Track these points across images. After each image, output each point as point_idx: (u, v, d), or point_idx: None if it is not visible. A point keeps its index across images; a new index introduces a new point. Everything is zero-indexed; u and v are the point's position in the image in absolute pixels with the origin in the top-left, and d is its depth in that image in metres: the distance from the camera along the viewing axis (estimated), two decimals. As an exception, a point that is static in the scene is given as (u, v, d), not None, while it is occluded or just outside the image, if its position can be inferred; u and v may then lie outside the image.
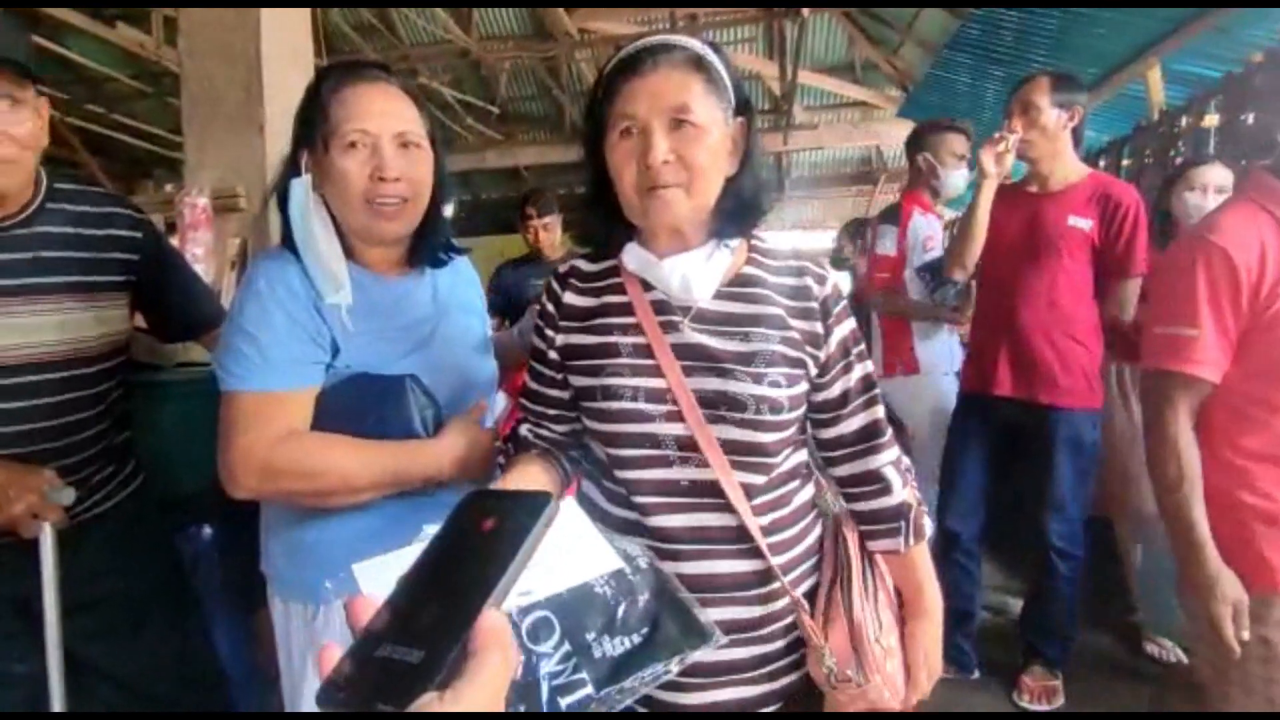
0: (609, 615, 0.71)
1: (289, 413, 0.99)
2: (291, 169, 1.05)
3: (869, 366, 0.96)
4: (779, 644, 0.93)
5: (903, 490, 0.96)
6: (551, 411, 1.00)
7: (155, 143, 7.34)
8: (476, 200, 10.43)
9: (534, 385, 1.01)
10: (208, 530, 1.56)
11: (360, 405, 1.02)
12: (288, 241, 1.04)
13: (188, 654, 1.36)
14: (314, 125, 1.02)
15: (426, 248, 1.13)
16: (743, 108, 0.91)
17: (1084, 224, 2.06)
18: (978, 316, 2.34)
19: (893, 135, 7.99)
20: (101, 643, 1.27)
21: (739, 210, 0.91)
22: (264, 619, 1.17)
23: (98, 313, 1.23)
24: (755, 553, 0.90)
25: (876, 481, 0.96)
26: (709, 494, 0.89)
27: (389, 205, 1.02)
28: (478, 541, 0.41)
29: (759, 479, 0.90)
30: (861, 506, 0.98)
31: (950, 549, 2.30)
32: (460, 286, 1.22)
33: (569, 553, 0.76)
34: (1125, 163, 3.75)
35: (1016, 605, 2.67)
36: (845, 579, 0.95)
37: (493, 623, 0.36)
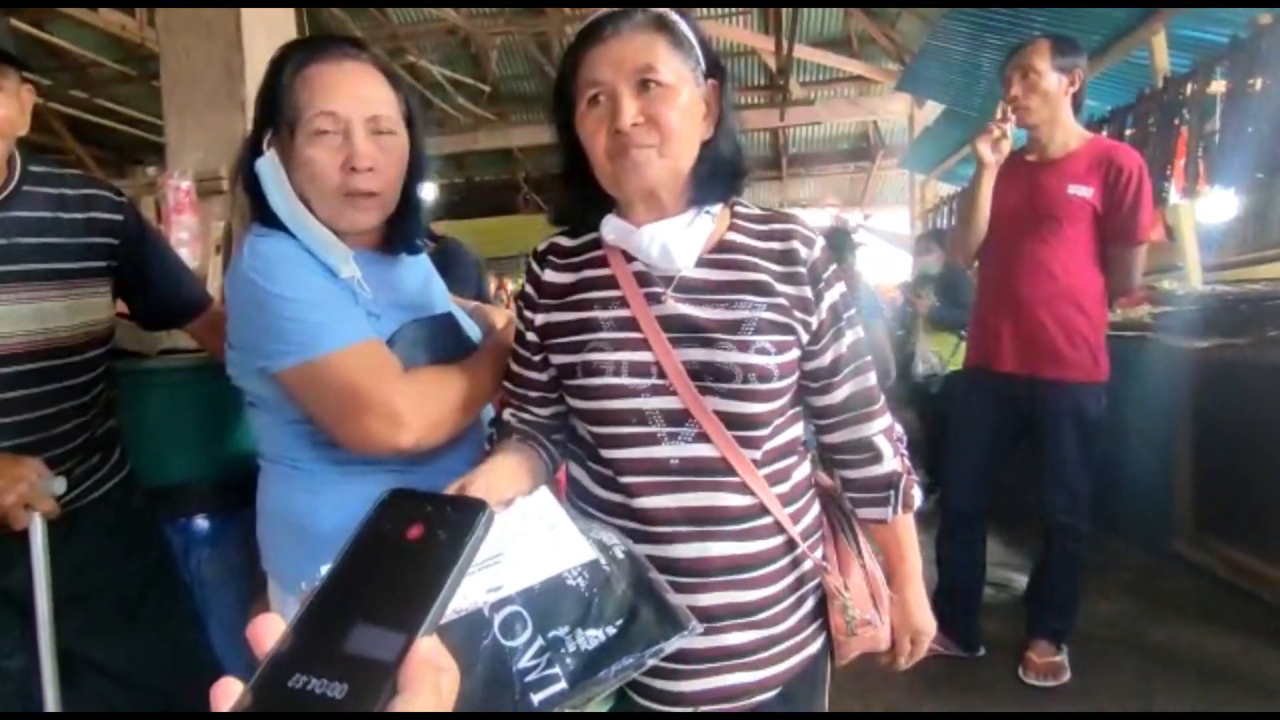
0: (582, 607, 0.70)
1: (390, 355, 0.94)
2: (252, 151, 0.97)
3: (860, 332, 0.94)
4: (781, 627, 0.90)
5: (893, 459, 0.95)
6: (534, 394, 0.97)
7: (143, 128, 7.25)
8: (469, 182, 10.35)
9: (516, 368, 0.98)
10: (200, 521, 1.53)
11: (427, 345, 1.00)
12: (266, 221, 0.98)
13: (180, 646, 1.34)
14: (278, 109, 0.94)
15: (402, 233, 1.06)
16: (714, 69, 0.88)
17: (1085, 191, 2.01)
18: (980, 290, 2.31)
19: (891, 110, 7.92)
20: (92, 635, 1.24)
21: (717, 174, 0.89)
22: (259, 610, 1.14)
23: (77, 300, 1.19)
24: (769, 529, 0.88)
25: (867, 450, 0.95)
26: (700, 472, 0.86)
27: (363, 197, 0.96)
28: (404, 553, 0.36)
29: (754, 453, 0.88)
30: (851, 474, 0.97)
31: (955, 525, 2.28)
32: (435, 284, 1.17)
33: (541, 544, 0.74)
34: (1129, 131, 3.70)
35: (1020, 580, 2.67)
36: (849, 534, 0.98)
37: (424, 654, 0.32)
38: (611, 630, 0.69)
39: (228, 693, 0.32)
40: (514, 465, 0.91)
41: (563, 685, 0.64)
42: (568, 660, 0.66)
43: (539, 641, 0.65)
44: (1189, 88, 3.29)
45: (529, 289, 0.95)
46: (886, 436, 0.95)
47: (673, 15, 0.85)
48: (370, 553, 0.37)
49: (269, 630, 0.34)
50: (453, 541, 0.36)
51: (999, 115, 2.05)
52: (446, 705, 0.32)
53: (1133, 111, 3.72)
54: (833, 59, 7.34)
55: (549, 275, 0.94)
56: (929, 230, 5.79)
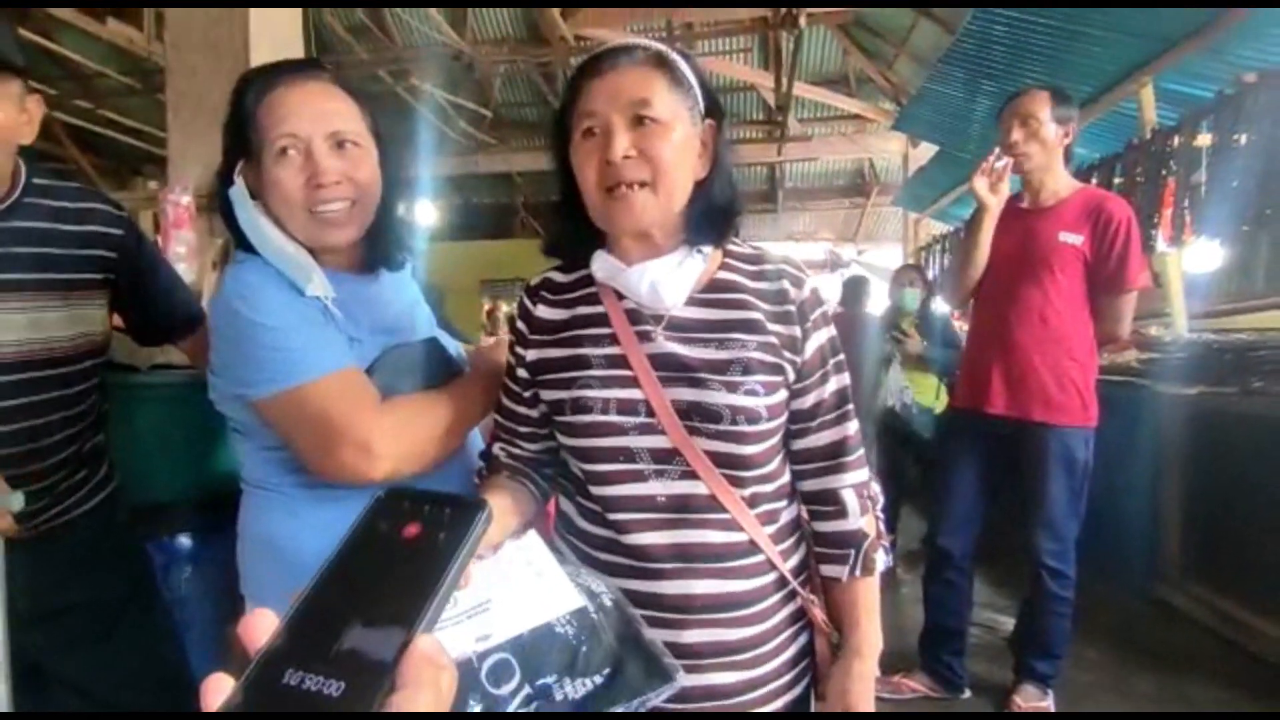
0: (570, 656, 0.69)
1: (367, 385, 0.94)
2: (224, 180, 0.98)
3: (845, 380, 0.93)
4: (765, 668, 0.89)
5: (860, 518, 0.92)
6: (524, 429, 0.96)
7: (145, 140, 7.28)
8: (468, 205, 10.41)
9: (506, 403, 0.97)
10: (183, 540, 1.51)
11: (410, 371, 1.00)
12: (246, 247, 0.98)
13: (158, 664, 1.31)
14: (245, 137, 0.95)
15: (379, 250, 1.05)
16: (712, 110, 0.89)
17: (1075, 239, 2.04)
18: (972, 334, 2.33)
19: (886, 148, 8.05)
20: (69, 653, 1.22)
21: (710, 214, 0.89)
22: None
23: (72, 311, 1.18)
24: (759, 567, 0.87)
25: (834, 502, 0.92)
26: (688, 509, 0.85)
27: (333, 212, 0.96)
28: (402, 552, 0.36)
29: (743, 491, 0.87)
30: (818, 526, 0.95)
31: (942, 566, 2.27)
32: (420, 309, 1.16)
33: (530, 591, 0.74)
34: (1117, 180, 3.77)
35: (1005, 622, 2.66)
36: None
37: (424, 651, 0.31)
38: (599, 679, 0.69)
39: (218, 688, 0.30)
40: (501, 506, 0.89)
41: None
42: (555, 709, 0.65)
43: (526, 690, 0.65)
44: (1176, 140, 3.37)
45: (520, 325, 0.95)
46: (857, 492, 0.92)
47: (673, 55, 0.86)
48: (366, 551, 0.36)
49: (261, 626, 0.33)
50: (451, 540, 0.35)
51: (992, 157, 2.08)
52: (446, 704, 0.31)
53: (1121, 161, 3.79)
54: (830, 97, 7.47)
55: (541, 311, 0.94)
56: (907, 263, 5.65)
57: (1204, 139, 3.23)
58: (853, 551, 0.91)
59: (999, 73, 3.99)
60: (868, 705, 0.89)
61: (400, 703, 0.30)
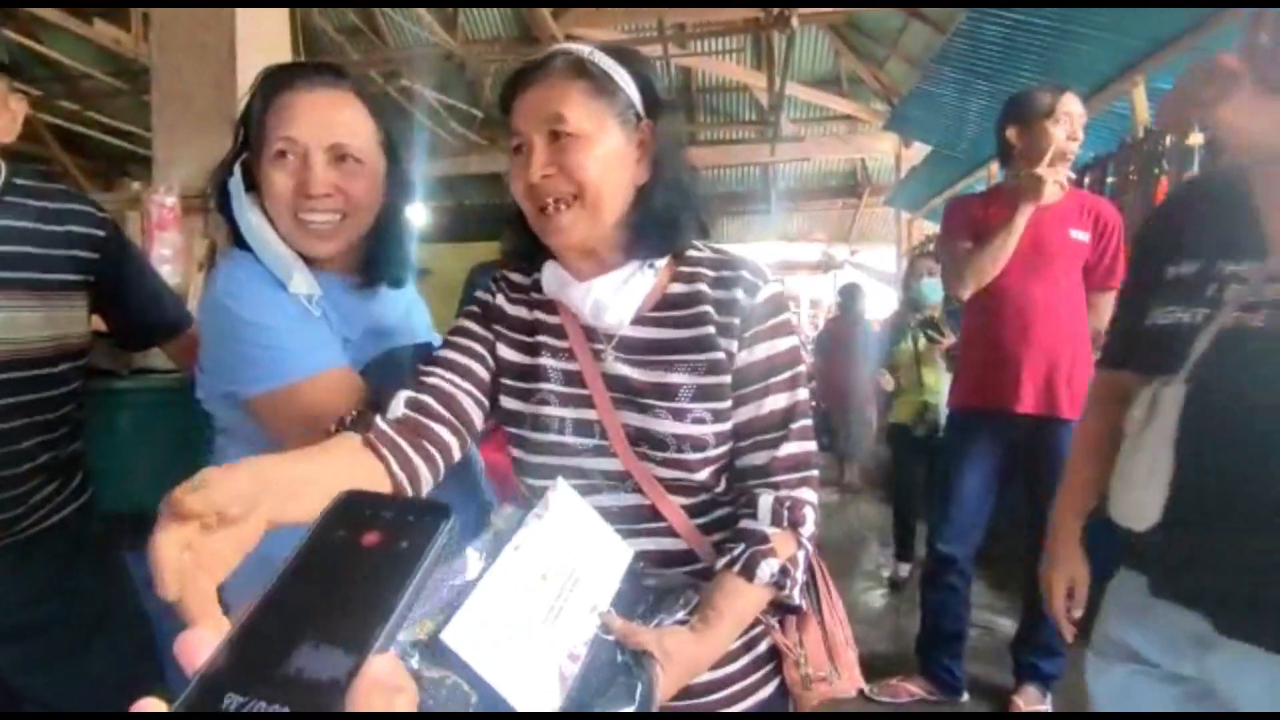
0: (645, 604, 0.77)
1: (361, 384, 0.92)
2: (226, 171, 0.98)
3: (796, 397, 0.85)
4: (731, 668, 0.86)
5: (768, 525, 0.82)
6: (446, 381, 0.84)
7: (132, 141, 7.22)
8: (459, 206, 10.37)
9: (446, 353, 0.87)
10: (166, 547, 1.47)
11: (403, 374, 0.94)
12: (241, 244, 0.97)
13: (137, 682, 1.28)
14: (251, 131, 0.95)
15: (380, 264, 1.03)
16: (651, 109, 0.84)
17: (1082, 237, 2.09)
18: (985, 331, 2.22)
19: (878, 149, 8.07)
20: (44, 669, 1.19)
21: (652, 223, 0.83)
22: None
23: (50, 313, 1.16)
24: (704, 575, 0.84)
25: (750, 505, 0.84)
26: (640, 519, 0.83)
27: (318, 224, 0.94)
28: (359, 562, 0.33)
29: (695, 500, 0.86)
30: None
31: (944, 572, 2.25)
32: (417, 313, 1.15)
33: (598, 544, 0.75)
34: (1110, 179, 3.78)
35: (1004, 623, 2.65)
36: (810, 587, 0.91)
37: (378, 672, 0.28)
38: (681, 612, 0.76)
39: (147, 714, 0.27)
40: (347, 463, 0.73)
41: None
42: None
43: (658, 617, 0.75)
44: (1168, 139, 3.37)
45: (487, 298, 0.91)
46: (778, 502, 0.83)
47: (595, 59, 0.82)
48: (320, 561, 0.33)
49: (199, 646, 0.30)
50: (413, 550, 0.32)
51: (1047, 161, 2.00)
52: None
53: (1114, 160, 3.80)
54: (823, 97, 7.48)
55: (501, 302, 0.91)
56: (924, 251, 5.19)
57: (1196, 138, 3.23)
58: (742, 546, 0.81)
59: (991, 73, 3.99)
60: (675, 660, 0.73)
61: None
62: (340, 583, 0.32)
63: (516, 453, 0.89)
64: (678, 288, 0.87)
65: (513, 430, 0.88)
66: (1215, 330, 0.85)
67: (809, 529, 0.85)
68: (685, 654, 0.75)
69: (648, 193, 0.84)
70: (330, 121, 0.94)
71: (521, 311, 0.90)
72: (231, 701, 0.27)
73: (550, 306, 0.89)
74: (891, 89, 6.98)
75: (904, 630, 2.48)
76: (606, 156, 0.80)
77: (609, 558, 0.75)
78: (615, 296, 0.83)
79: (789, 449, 0.85)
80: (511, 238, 0.93)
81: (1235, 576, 0.87)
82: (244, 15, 2.04)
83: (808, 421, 0.87)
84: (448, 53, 6.16)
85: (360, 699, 0.27)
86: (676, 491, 0.85)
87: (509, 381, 0.88)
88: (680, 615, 0.75)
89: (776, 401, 0.85)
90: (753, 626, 0.88)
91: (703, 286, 0.86)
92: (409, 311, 1.11)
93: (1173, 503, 0.88)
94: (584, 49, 0.83)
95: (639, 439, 0.82)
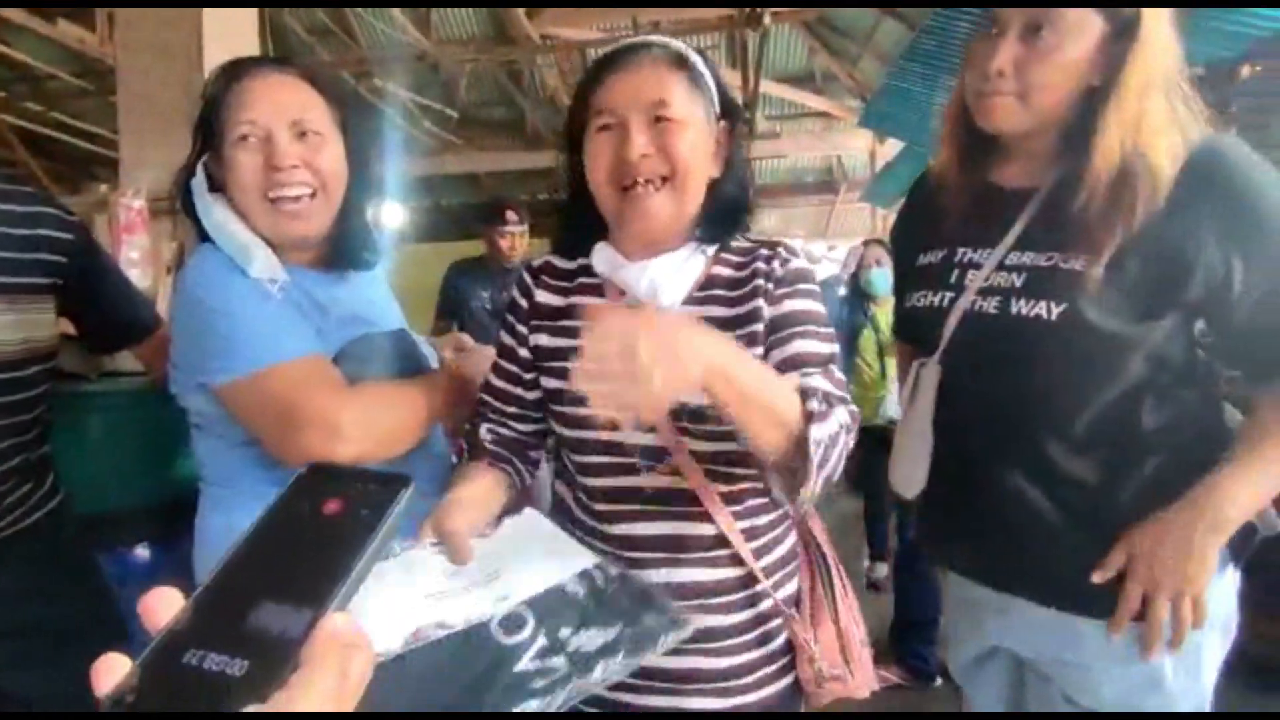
0: (582, 612, 0.72)
1: (333, 370, 0.93)
2: (189, 172, 0.99)
3: (826, 344, 0.86)
4: (746, 657, 0.90)
5: (820, 379, 0.82)
6: (514, 410, 0.97)
7: (98, 143, 7.09)
8: (435, 205, 10.29)
9: (498, 383, 0.97)
10: (139, 550, 1.47)
11: (376, 360, 1.00)
12: (208, 240, 0.98)
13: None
14: (209, 126, 0.97)
15: (346, 251, 1.05)
16: (727, 111, 0.90)
17: None
18: None
19: (853, 145, 8.14)
20: (16, 674, 1.18)
21: (721, 214, 0.90)
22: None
23: (18, 316, 1.15)
24: (731, 560, 0.88)
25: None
26: (677, 502, 0.87)
27: (291, 199, 0.95)
28: (321, 528, 0.34)
29: (731, 487, 0.88)
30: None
31: (915, 557, 2.30)
32: (387, 301, 1.16)
33: (539, 557, 0.77)
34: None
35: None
36: (826, 583, 0.95)
37: (334, 629, 0.30)
38: (611, 633, 0.71)
39: (111, 669, 0.28)
40: (485, 491, 0.89)
41: (565, 673, 0.65)
42: (569, 659, 0.67)
43: (541, 640, 0.67)
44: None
45: (521, 302, 0.95)
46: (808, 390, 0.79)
47: (692, 55, 0.87)
48: (283, 528, 0.35)
49: (164, 605, 0.31)
50: (372, 516, 0.34)
51: None
52: (354, 686, 0.29)
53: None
54: (797, 94, 7.53)
55: (541, 295, 0.95)
56: (872, 238, 4.68)
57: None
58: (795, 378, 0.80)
59: (958, 68, 4.05)
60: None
61: (297, 681, 0.28)
62: (301, 546, 0.34)
63: (557, 428, 0.92)
64: (718, 269, 0.91)
65: (554, 407, 0.91)
66: (960, 314, 0.92)
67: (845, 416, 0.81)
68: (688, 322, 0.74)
69: (719, 186, 0.90)
70: (288, 102, 0.96)
71: (558, 299, 0.94)
72: (192, 656, 0.29)
73: (591, 289, 0.93)
74: (865, 86, 7.04)
75: (882, 630, 2.51)
76: (697, 144, 0.85)
77: (552, 568, 0.75)
78: (672, 277, 0.87)
79: (817, 383, 0.82)
80: (564, 223, 0.95)
81: (984, 541, 0.96)
82: (210, 15, 2.03)
83: (839, 374, 0.86)
84: (421, 52, 6.11)
85: (316, 654, 0.29)
86: (713, 476, 0.87)
87: (551, 364, 0.92)
88: (605, 636, 0.69)
89: (805, 345, 0.86)
90: (771, 618, 0.91)
91: (733, 270, 0.91)
92: (379, 299, 1.12)
93: (931, 476, 0.96)
94: (679, 44, 0.88)
95: (681, 413, 0.84)
